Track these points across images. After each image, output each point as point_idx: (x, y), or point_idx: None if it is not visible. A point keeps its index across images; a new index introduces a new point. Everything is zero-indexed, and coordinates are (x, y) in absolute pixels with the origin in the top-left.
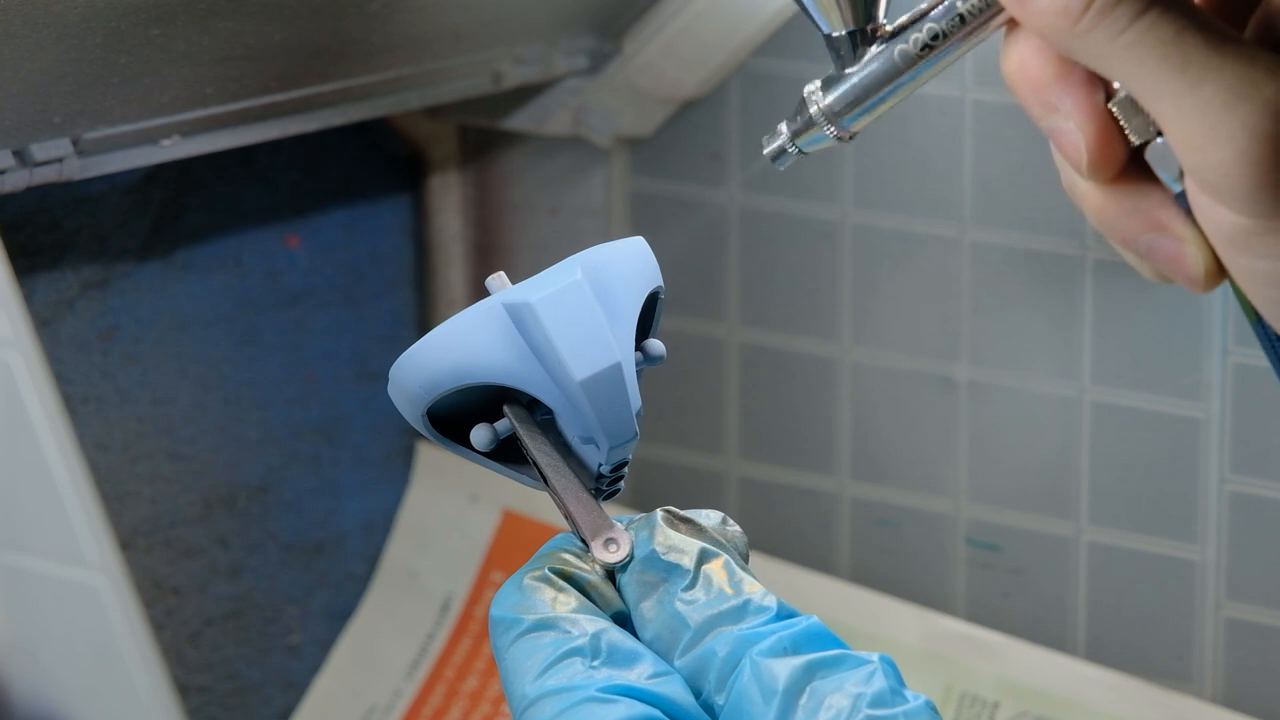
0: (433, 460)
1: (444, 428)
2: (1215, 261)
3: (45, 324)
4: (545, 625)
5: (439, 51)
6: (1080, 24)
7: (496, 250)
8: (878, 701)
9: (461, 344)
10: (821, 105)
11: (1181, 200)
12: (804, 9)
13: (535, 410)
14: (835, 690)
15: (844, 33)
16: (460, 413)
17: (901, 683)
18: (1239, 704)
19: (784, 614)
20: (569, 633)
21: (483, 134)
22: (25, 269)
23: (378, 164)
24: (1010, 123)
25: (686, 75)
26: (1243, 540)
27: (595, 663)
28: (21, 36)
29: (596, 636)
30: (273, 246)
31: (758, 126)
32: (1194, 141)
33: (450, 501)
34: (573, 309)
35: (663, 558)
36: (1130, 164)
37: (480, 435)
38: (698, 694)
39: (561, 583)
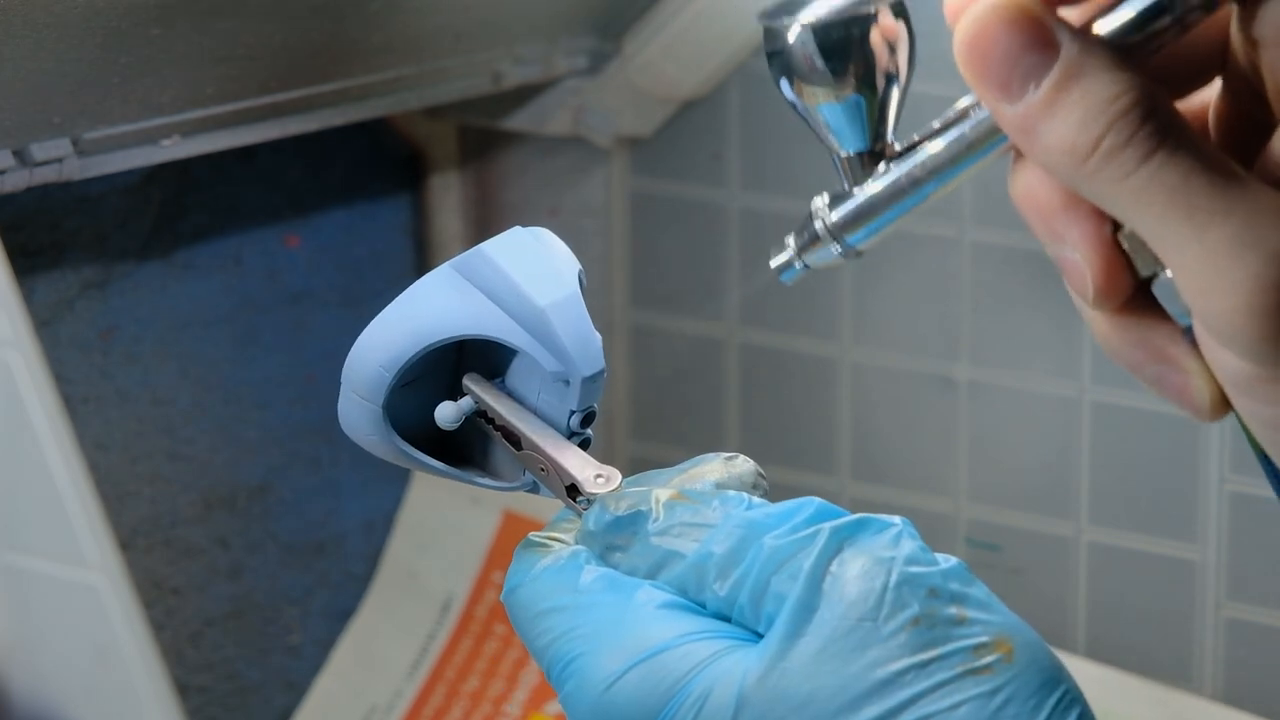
0: None
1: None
2: (1221, 395)
3: (45, 324)
4: (553, 563)
5: (439, 51)
6: (1087, 165)
7: None
8: (912, 561)
9: (419, 310)
10: (828, 222)
11: (1189, 335)
12: (813, 129)
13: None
14: (864, 555)
15: (853, 153)
16: (412, 431)
17: (925, 545)
18: (1239, 703)
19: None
20: (576, 556)
21: (483, 134)
22: (25, 269)
23: (378, 164)
24: None
25: (686, 75)
26: (1243, 540)
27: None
28: (22, 36)
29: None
30: (273, 246)
31: (758, 126)
32: (1199, 287)
33: (451, 502)
34: (519, 249)
35: (622, 515)
36: (1137, 295)
37: (445, 412)
38: (701, 604)
39: (550, 542)
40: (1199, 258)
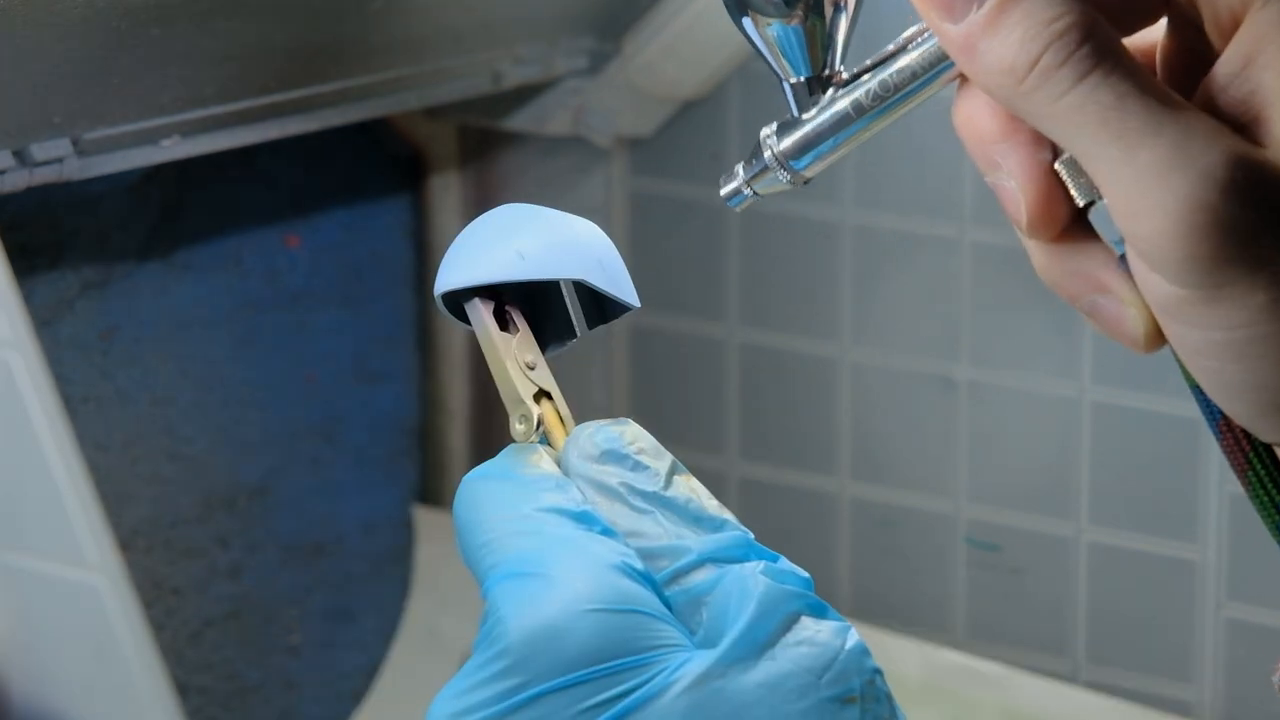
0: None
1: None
2: (1155, 326)
3: (45, 324)
4: (543, 476)
5: (439, 51)
6: (1024, 84)
7: None
8: (863, 650)
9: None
10: (775, 150)
11: (1124, 263)
12: (761, 55)
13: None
14: (829, 624)
15: (800, 79)
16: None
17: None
18: (1239, 703)
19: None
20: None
21: (483, 134)
22: (25, 269)
23: (378, 164)
24: None
25: (686, 75)
26: (1243, 540)
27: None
28: (22, 36)
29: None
30: (273, 246)
31: (758, 126)
32: (1129, 208)
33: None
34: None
35: (626, 455)
36: (1075, 223)
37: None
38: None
39: (544, 460)
40: (1130, 179)
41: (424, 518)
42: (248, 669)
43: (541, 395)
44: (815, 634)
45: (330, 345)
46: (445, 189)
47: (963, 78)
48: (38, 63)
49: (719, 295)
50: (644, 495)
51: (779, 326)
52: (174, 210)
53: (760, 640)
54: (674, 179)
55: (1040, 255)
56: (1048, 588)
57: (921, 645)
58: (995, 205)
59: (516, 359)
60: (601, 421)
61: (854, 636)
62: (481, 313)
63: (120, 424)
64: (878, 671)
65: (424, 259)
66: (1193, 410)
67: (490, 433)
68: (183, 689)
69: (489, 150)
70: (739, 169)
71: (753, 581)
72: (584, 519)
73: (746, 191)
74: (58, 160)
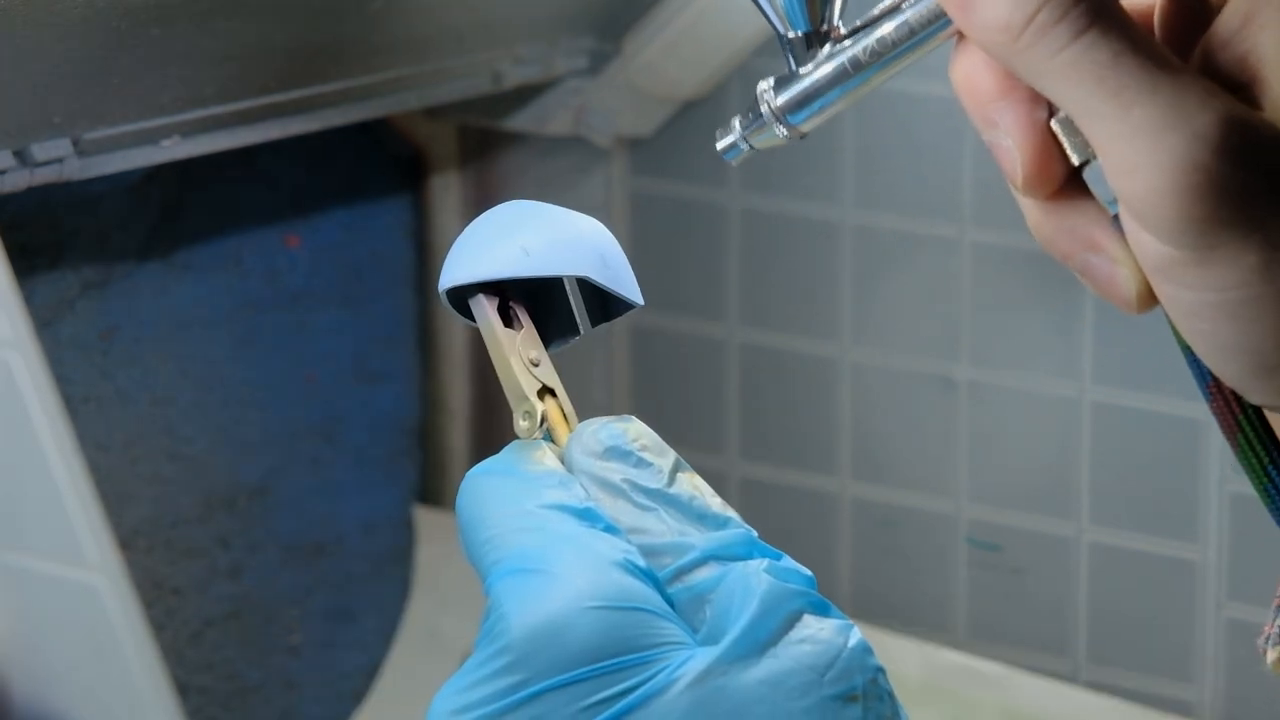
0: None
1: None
2: (1147, 286)
3: (45, 324)
4: (544, 472)
5: (439, 51)
6: (1020, 40)
7: None
8: (865, 649)
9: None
10: (773, 105)
11: (1117, 222)
12: (760, 9)
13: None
14: (832, 622)
15: (798, 34)
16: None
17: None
18: (1239, 703)
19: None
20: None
21: (483, 134)
22: (25, 269)
23: (378, 164)
24: None
25: (686, 75)
26: (1243, 540)
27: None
28: (22, 36)
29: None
30: (273, 246)
31: None
32: (1122, 167)
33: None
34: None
35: (629, 451)
36: (1070, 182)
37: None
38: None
39: (547, 457)
40: (1123, 137)
41: (424, 518)
42: (248, 669)
43: (545, 392)
44: (818, 632)
45: (330, 345)
46: (445, 189)
47: (960, 35)
48: (38, 63)
49: (719, 295)
50: (647, 492)
51: (779, 326)
52: (174, 210)
53: (763, 638)
54: (674, 179)
55: (1034, 213)
56: (1048, 588)
57: (922, 645)
58: (995, 205)
59: (520, 355)
60: (605, 418)
61: (856, 635)
62: (486, 309)
63: (120, 424)
64: (880, 670)
65: (424, 259)
66: (1193, 410)
67: (491, 432)
68: (183, 689)
69: (489, 150)
70: (735, 123)
71: (756, 579)
72: (587, 516)
73: (743, 145)
74: (58, 160)
